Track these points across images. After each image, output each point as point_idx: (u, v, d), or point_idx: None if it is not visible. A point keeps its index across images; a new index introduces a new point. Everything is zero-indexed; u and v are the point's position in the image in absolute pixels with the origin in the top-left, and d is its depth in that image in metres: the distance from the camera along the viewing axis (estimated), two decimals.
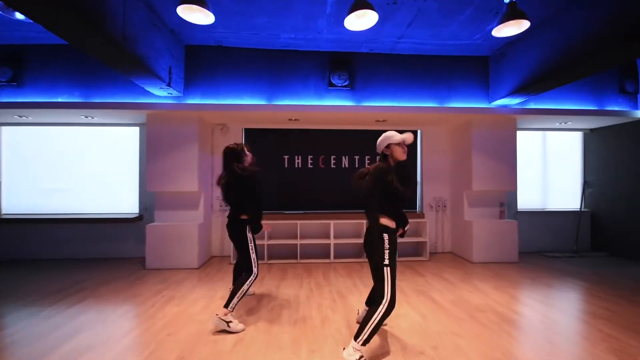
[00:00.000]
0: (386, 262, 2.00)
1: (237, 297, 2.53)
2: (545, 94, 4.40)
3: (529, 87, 3.76)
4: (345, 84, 4.22)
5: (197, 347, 2.22)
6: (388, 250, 2.01)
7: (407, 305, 3.01)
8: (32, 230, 4.85)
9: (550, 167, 5.51)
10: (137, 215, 4.81)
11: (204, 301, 3.10)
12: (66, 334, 2.44)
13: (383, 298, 1.97)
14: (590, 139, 5.49)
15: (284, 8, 3.32)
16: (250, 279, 2.60)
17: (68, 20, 2.29)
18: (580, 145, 5.58)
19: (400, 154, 2.13)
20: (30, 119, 4.60)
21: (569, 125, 5.13)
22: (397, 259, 4.72)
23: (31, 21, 2.58)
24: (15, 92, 4.09)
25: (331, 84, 4.22)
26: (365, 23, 2.97)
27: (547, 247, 5.36)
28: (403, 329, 2.52)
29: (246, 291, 2.59)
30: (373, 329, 1.94)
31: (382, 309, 1.95)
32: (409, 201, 5.24)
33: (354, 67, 4.31)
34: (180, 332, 2.46)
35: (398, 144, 2.12)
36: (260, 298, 3.21)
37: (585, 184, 5.51)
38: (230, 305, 2.51)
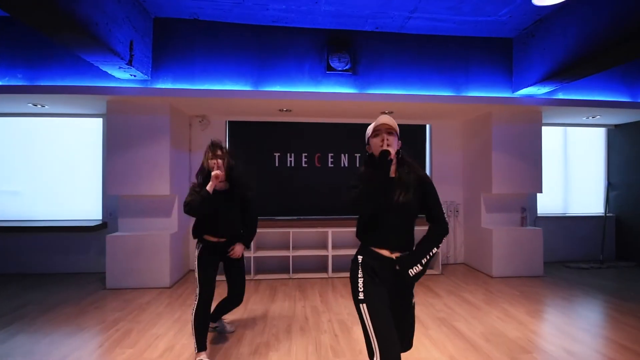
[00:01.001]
0: (360, 296, 1.34)
1: (193, 335, 2.04)
2: (573, 83, 3.82)
3: (564, 72, 3.16)
4: (347, 67, 3.55)
5: None
6: (362, 279, 1.36)
7: (429, 341, 2.37)
8: None
9: (572, 167, 4.96)
10: (99, 222, 4.07)
11: (167, 338, 2.41)
12: None
13: (372, 356, 1.26)
14: (615, 135, 4.96)
15: None
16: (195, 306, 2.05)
17: None
18: (604, 142, 5.05)
19: (376, 147, 1.40)
20: None
21: (596, 120, 4.57)
22: None
23: None
24: None
25: (330, 68, 3.54)
26: None
27: (569, 256, 4.80)
28: None
29: (195, 324, 2.01)
30: None
31: None
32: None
33: (356, 48, 3.65)
34: None
35: (375, 136, 1.41)
36: (242, 331, 2.53)
37: (609, 186, 4.97)
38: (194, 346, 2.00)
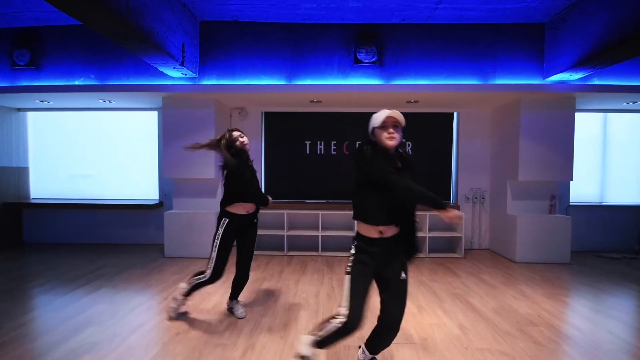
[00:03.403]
0: (347, 269, 1.60)
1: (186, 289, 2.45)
2: (610, 68, 3.70)
3: (594, 58, 3.12)
4: (373, 60, 3.76)
5: (204, 353, 2.01)
6: (352, 257, 1.60)
7: (442, 311, 2.64)
8: (59, 215, 4.92)
9: (611, 154, 4.77)
10: (157, 202, 4.73)
11: (217, 296, 2.91)
12: (75, 327, 2.32)
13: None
14: None
15: None
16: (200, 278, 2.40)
17: None
18: None
19: (382, 139, 1.54)
20: (51, 104, 4.57)
21: (637, 105, 4.35)
22: (428, 255, 4.33)
23: None
24: (34, 75, 4.02)
25: (357, 61, 3.77)
26: None
27: (603, 246, 4.70)
28: (438, 342, 2.17)
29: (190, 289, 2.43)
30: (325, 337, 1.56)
31: (337, 322, 1.51)
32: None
33: (383, 40, 3.82)
34: (190, 331, 2.27)
35: (382, 127, 1.54)
36: (278, 294, 2.97)
37: None
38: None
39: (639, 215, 4.64)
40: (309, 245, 4.60)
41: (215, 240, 2.36)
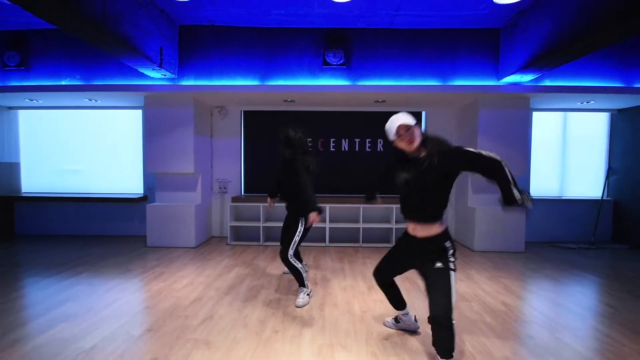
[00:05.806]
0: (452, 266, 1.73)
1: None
2: (564, 70, 3.99)
3: (540, 60, 3.41)
4: (341, 62, 4.03)
5: (167, 321, 2.28)
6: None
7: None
8: (48, 208, 5.17)
9: (571, 151, 5.07)
10: (141, 195, 4.99)
11: (189, 278, 3.19)
12: (55, 302, 2.59)
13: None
14: (618, 120, 4.96)
15: None
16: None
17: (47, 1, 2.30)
18: (607, 127, 5.07)
19: (405, 146, 1.74)
20: (40, 102, 4.81)
21: (592, 105, 4.65)
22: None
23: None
24: (24, 76, 4.27)
25: (326, 63, 4.05)
26: None
27: (562, 237, 5.00)
28: (376, 313, 2.46)
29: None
30: None
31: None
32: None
33: (350, 44, 4.10)
34: (157, 305, 2.55)
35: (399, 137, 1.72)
36: (244, 277, 3.25)
37: (610, 170, 5.03)
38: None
39: (596, 208, 4.94)
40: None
41: None
